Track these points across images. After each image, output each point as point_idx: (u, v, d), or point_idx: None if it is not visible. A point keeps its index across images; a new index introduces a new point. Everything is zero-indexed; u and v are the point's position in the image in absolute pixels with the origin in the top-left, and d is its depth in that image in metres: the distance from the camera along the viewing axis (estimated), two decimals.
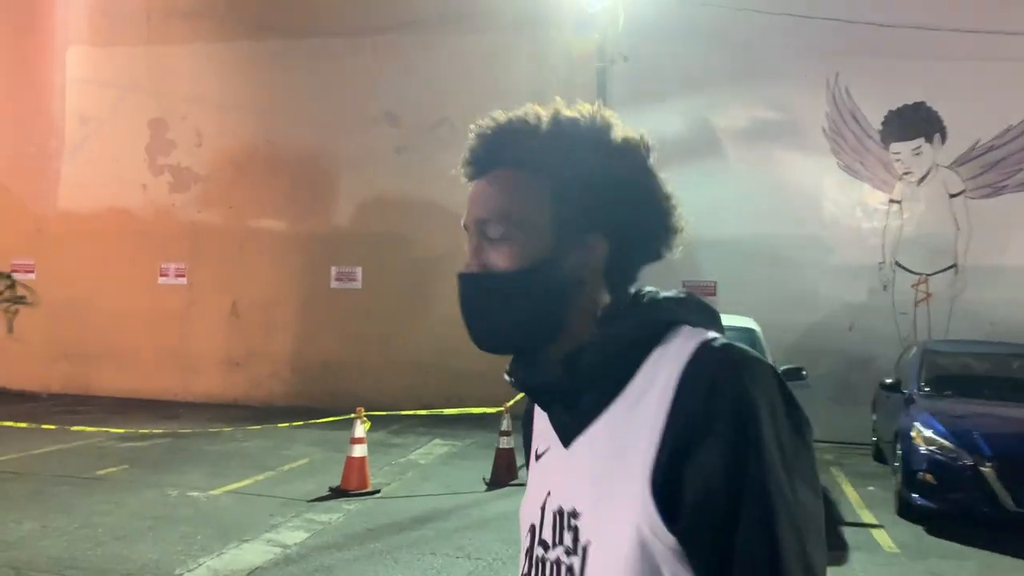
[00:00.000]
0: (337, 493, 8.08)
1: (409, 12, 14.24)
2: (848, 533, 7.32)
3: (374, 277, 14.65)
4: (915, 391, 8.80)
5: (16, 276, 16.20)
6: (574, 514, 1.09)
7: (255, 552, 6.31)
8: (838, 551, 6.73)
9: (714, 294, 11.98)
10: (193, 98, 15.38)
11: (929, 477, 7.47)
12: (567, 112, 1.17)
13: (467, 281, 1.16)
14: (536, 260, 1.12)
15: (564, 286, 1.13)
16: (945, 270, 12.40)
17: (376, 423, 9.65)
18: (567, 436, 1.14)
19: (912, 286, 12.48)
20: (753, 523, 0.98)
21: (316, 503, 7.78)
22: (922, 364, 9.29)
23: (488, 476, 8.76)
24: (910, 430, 7.84)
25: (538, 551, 1.15)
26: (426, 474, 9.38)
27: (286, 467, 9.38)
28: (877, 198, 12.74)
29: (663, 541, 1.00)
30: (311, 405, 13.33)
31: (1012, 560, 6.69)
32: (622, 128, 1.18)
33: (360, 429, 8.28)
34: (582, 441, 1.12)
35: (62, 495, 7.83)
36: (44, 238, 15.90)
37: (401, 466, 9.62)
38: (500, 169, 1.16)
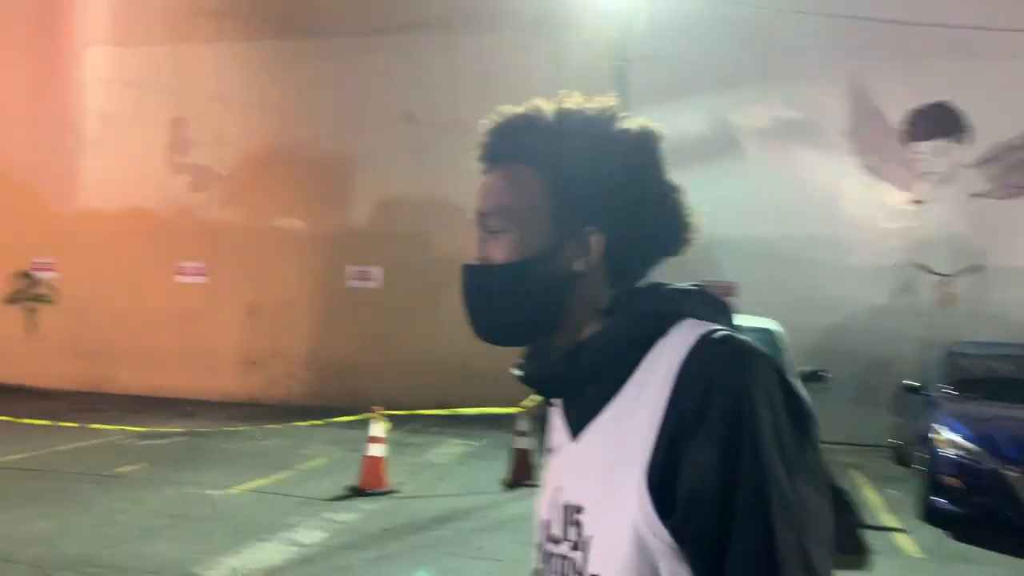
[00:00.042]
0: (355, 492, 8.07)
1: (429, 11, 14.23)
2: (870, 537, 7.22)
3: (392, 276, 14.66)
4: (938, 394, 8.68)
5: (36, 274, 16.32)
6: (578, 509, 1.09)
7: (273, 551, 6.30)
8: (856, 554, 6.64)
9: (733, 295, 11.88)
10: (213, 97, 15.44)
11: (953, 481, 7.36)
12: (572, 105, 1.17)
13: (466, 273, 1.19)
14: (532, 253, 1.13)
15: (560, 279, 1.14)
16: (968, 271, 12.25)
17: (393, 423, 9.62)
18: (574, 430, 1.14)
19: (935, 287, 12.34)
20: (747, 520, 0.95)
21: (334, 502, 7.78)
22: (945, 366, 9.17)
23: (505, 477, 8.73)
24: (934, 433, 7.74)
25: (549, 546, 1.15)
26: (443, 474, 9.36)
27: (304, 466, 9.38)
28: (899, 198, 12.61)
29: (659, 537, 0.99)
30: (328, 404, 13.33)
31: None
32: (631, 120, 1.17)
33: (377, 428, 8.26)
34: (587, 435, 1.11)
35: (82, 493, 7.86)
36: (64, 237, 16.01)
37: (418, 466, 9.60)
38: (504, 164, 1.17)
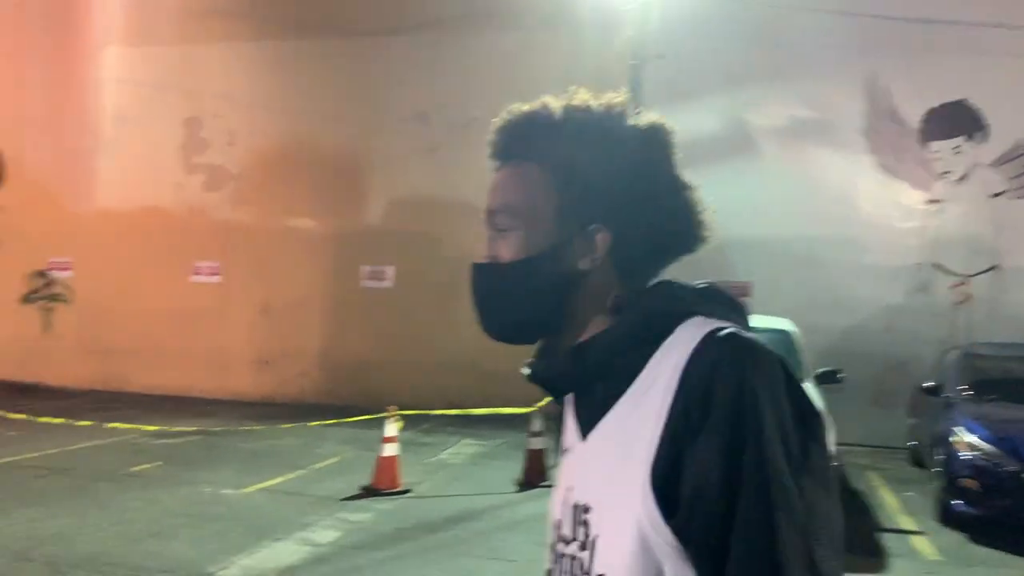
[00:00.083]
0: (368, 492, 8.07)
1: (442, 10, 14.23)
2: (888, 539, 7.17)
3: (405, 276, 14.67)
4: (956, 395, 8.60)
5: (52, 274, 16.43)
6: (586, 508, 1.08)
7: (287, 551, 6.31)
8: (873, 557, 6.59)
9: (748, 295, 11.81)
10: (227, 97, 15.50)
11: (972, 483, 7.29)
12: (579, 102, 1.17)
13: (475, 271, 1.19)
14: (537, 250, 1.13)
15: (566, 277, 1.13)
16: (986, 271, 12.14)
17: (406, 422, 9.63)
18: (584, 430, 1.14)
19: (951, 287, 12.24)
20: (750, 520, 0.93)
21: (348, 502, 7.77)
22: (963, 367, 9.08)
23: (519, 477, 8.70)
24: (952, 435, 7.66)
25: (560, 546, 1.14)
26: (456, 474, 9.35)
27: (318, 465, 9.39)
28: (916, 198, 12.51)
29: (663, 538, 0.97)
30: (341, 404, 13.34)
31: None
32: (640, 116, 1.17)
33: (391, 428, 8.26)
34: (595, 434, 1.11)
35: (97, 491, 7.89)
36: (80, 237, 16.10)
37: (431, 466, 9.59)
38: (512, 161, 1.18)
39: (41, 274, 16.45)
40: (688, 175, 1.17)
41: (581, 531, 1.08)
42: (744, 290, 11.79)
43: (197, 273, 15.65)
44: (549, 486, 8.19)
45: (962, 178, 12.34)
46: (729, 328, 1.04)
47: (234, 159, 15.67)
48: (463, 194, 13.33)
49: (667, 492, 0.98)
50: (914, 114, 12.47)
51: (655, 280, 1.17)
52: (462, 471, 9.52)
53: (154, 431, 10.78)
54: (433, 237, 14.33)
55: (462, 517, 7.40)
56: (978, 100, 12.17)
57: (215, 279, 15.60)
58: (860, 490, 9.12)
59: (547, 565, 1.19)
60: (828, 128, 12.74)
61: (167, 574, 5.72)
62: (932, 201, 12.44)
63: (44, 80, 16.48)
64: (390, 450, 8.23)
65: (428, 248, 14.34)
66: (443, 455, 10.31)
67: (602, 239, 1.13)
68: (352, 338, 14.81)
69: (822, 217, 12.45)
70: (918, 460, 10.10)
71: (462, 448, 10.83)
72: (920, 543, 7.13)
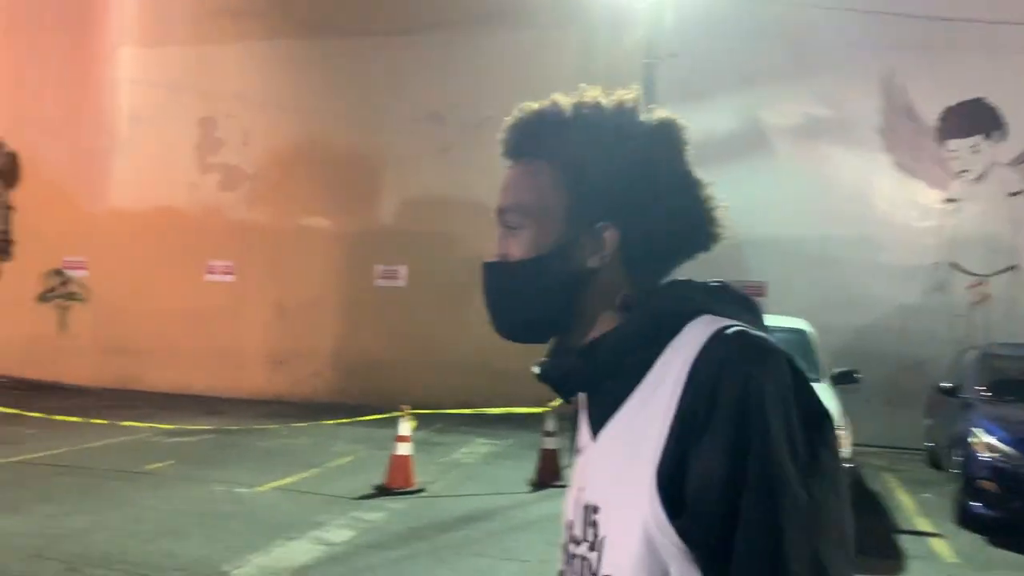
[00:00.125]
0: (381, 491, 8.06)
1: (455, 10, 14.22)
2: (905, 541, 7.10)
3: (418, 275, 14.68)
4: (974, 396, 8.52)
5: (68, 273, 16.53)
6: (595, 509, 1.07)
7: (301, 550, 6.31)
8: (891, 559, 6.53)
9: (763, 295, 11.74)
10: (242, 97, 15.55)
11: (990, 485, 7.22)
12: (589, 99, 1.16)
13: (485, 270, 1.19)
14: (546, 248, 1.13)
15: (575, 275, 1.13)
16: (1004, 271, 12.03)
17: (419, 422, 9.62)
18: (595, 429, 1.13)
19: (969, 287, 12.13)
20: (754, 521, 0.92)
21: (361, 501, 7.77)
22: (981, 368, 9.00)
23: (532, 477, 8.68)
24: (970, 436, 7.59)
25: (571, 547, 1.13)
26: (470, 473, 9.34)
27: (331, 464, 9.40)
28: (932, 197, 12.41)
29: (669, 539, 0.96)
30: (354, 402, 13.35)
31: None
32: (651, 113, 1.16)
33: (405, 427, 8.25)
34: (605, 434, 1.10)
35: (112, 489, 7.92)
36: (95, 236, 16.19)
37: (445, 465, 9.58)
38: (523, 160, 1.18)
39: (57, 273, 16.55)
40: (702, 174, 1.16)
41: (591, 532, 1.08)
42: (759, 290, 11.72)
43: (211, 272, 15.71)
44: (563, 486, 8.17)
45: (980, 177, 12.23)
46: (738, 326, 1.03)
47: (249, 159, 15.72)
48: (476, 194, 13.30)
49: (673, 492, 0.96)
50: (931, 112, 12.37)
51: (668, 279, 1.16)
52: (475, 471, 9.51)
53: (169, 429, 10.82)
54: (446, 237, 14.33)
55: (475, 517, 7.39)
56: (996, 98, 12.05)
57: (229, 278, 15.65)
58: (876, 491, 9.05)
59: (559, 566, 1.18)
60: (844, 126, 12.65)
61: (182, 572, 5.73)
62: (949, 200, 12.33)
63: (60, 81, 16.58)
64: (404, 449, 8.23)
65: (441, 248, 14.34)
66: (456, 454, 10.30)
67: (611, 236, 1.12)
68: (365, 337, 14.83)
69: (838, 216, 12.36)
70: (935, 461, 10.01)
71: (475, 448, 10.82)
72: (938, 545, 7.06)
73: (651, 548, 0.97)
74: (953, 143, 12.31)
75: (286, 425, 11.43)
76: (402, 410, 8.38)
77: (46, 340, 16.29)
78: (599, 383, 1.11)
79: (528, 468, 8.86)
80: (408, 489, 8.12)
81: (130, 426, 10.69)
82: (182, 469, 8.92)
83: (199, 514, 7.18)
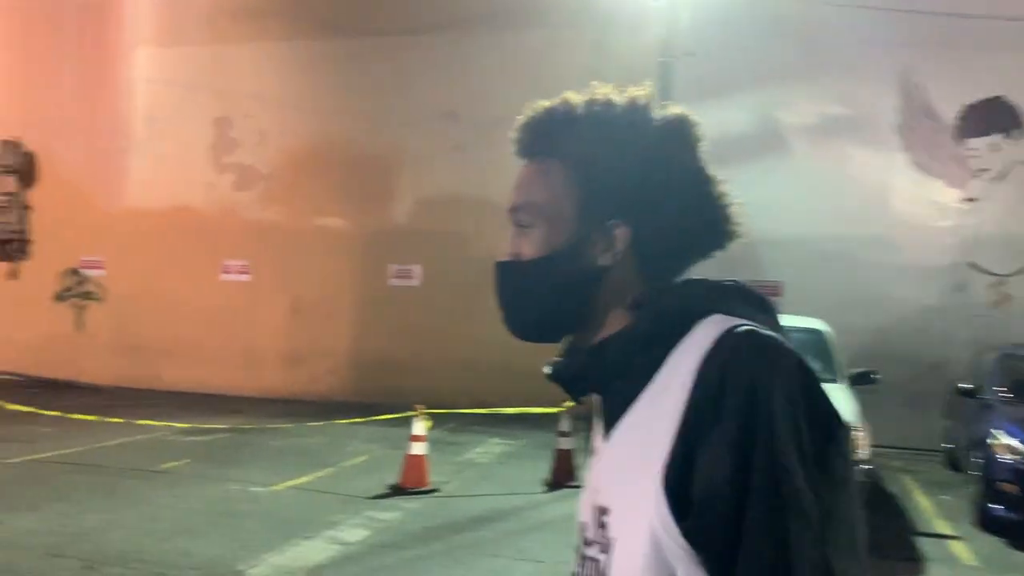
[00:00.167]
0: (396, 491, 8.06)
1: (470, 9, 14.20)
2: (924, 544, 7.03)
3: (432, 275, 14.68)
4: (994, 397, 8.42)
5: (85, 272, 16.63)
6: (605, 511, 1.06)
7: (316, 549, 6.31)
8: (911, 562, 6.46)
9: (779, 295, 11.66)
10: (257, 97, 15.59)
11: (1010, 487, 7.14)
12: (600, 97, 1.15)
13: (497, 268, 1.19)
14: (557, 247, 1.13)
15: (586, 273, 1.12)
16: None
17: (433, 421, 9.62)
18: (607, 430, 1.11)
19: (988, 287, 12.00)
20: (759, 525, 0.90)
21: (376, 500, 7.77)
22: (1001, 369, 8.89)
23: (547, 477, 8.66)
24: (990, 438, 7.50)
25: (584, 549, 1.12)
26: (484, 473, 9.32)
27: (346, 463, 9.41)
28: (951, 196, 12.29)
29: (676, 541, 0.94)
30: (368, 401, 13.36)
31: None
32: (664, 110, 1.15)
33: (419, 427, 8.24)
34: (615, 435, 1.09)
35: (128, 488, 7.95)
36: (112, 235, 16.28)
37: (459, 465, 9.57)
38: (535, 158, 1.18)
39: (74, 272, 16.66)
40: (718, 172, 1.15)
41: (601, 534, 1.06)
42: (775, 290, 11.64)
43: (226, 272, 15.77)
44: (577, 486, 8.13)
45: (999, 176, 12.10)
46: (747, 325, 1.01)
47: (264, 159, 15.77)
48: (490, 193, 13.29)
49: (680, 494, 0.94)
50: (949, 110, 12.25)
51: (683, 277, 1.14)
52: (490, 470, 9.49)
53: (184, 428, 10.86)
54: (460, 236, 14.32)
55: (490, 517, 7.37)
56: (1016, 96, 11.93)
57: (244, 278, 15.71)
58: (894, 493, 8.97)
59: (573, 568, 1.17)
60: (861, 125, 12.55)
61: (197, 571, 5.74)
62: (968, 199, 12.21)
63: (77, 81, 16.68)
64: (418, 449, 8.22)
65: (455, 247, 14.33)
66: (470, 454, 10.29)
67: (622, 234, 1.11)
68: (379, 337, 14.84)
69: (855, 216, 12.26)
70: (954, 463, 9.92)
71: (490, 447, 10.80)
72: (958, 548, 6.99)
73: (658, 551, 0.95)
74: (972, 141, 12.18)
75: (301, 424, 11.45)
76: (416, 409, 8.37)
77: (63, 339, 16.40)
78: (609, 383, 1.10)
79: (543, 468, 8.84)
80: (422, 489, 8.11)
81: (146, 425, 10.74)
82: (198, 468, 8.94)
83: (214, 513, 7.20)
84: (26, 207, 17.09)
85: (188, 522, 6.89)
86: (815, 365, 7.72)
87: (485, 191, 13.44)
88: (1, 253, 17.00)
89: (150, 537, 6.43)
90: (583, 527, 1.14)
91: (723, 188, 1.14)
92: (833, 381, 8.00)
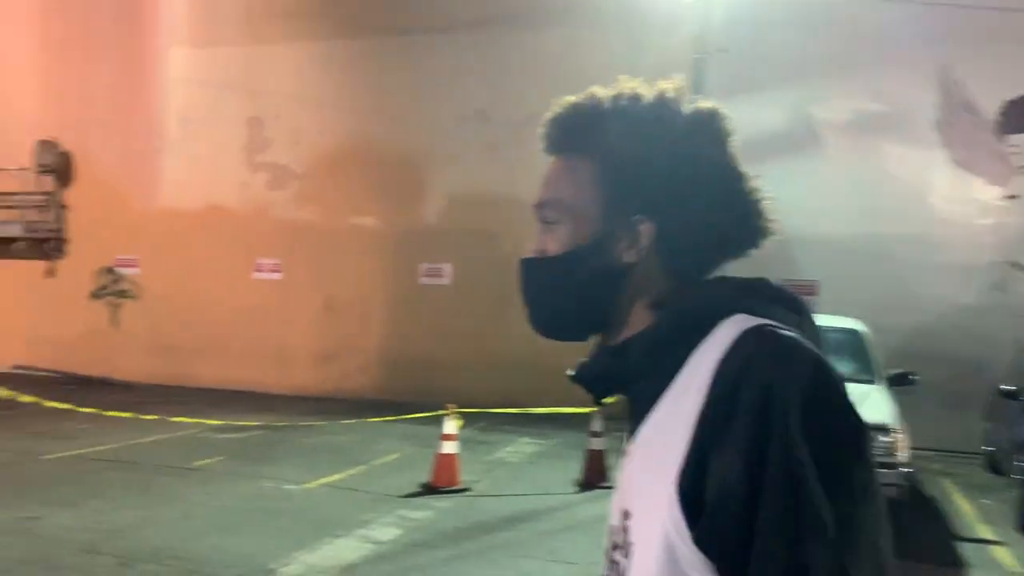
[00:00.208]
0: (427, 490, 8.05)
1: (501, 7, 14.17)
2: (965, 549, 6.88)
3: (463, 274, 14.67)
4: None
5: (120, 271, 16.84)
6: (627, 514, 1.04)
7: (348, 548, 6.30)
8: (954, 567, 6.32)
9: (815, 294, 11.49)
10: (290, 97, 15.69)
11: None
12: (629, 91, 1.13)
13: (521, 266, 1.17)
14: (581, 243, 1.11)
15: (610, 270, 1.10)
16: None
17: (463, 420, 9.59)
18: (632, 431, 1.10)
19: None
20: (771, 533, 0.87)
21: (407, 499, 7.76)
22: None
23: (579, 477, 8.60)
24: None
25: (611, 552, 1.10)
26: (515, 473, 9.28)
27: (377, 462, 9.42)
28: (992, 193, 12.04)
29: (689, 548, 0.92)
30: (398, 400, 13.38)
31: None
32: (692, 104, 1.12)
33: (451, 426, 8.22)
34: (639, 438, 1.07)
35: (162, 485, 8.02)
36: (147, 234, 16.47)
37: (490, 464, 9.54)
38: (562, 154, 1.16)
39: (109, 271, 16.87)
40: (750, 168, 1.11)
41: (624, 537, 1.04)
42: (811, 289, 11.48)
43: (259, 270, 15.89)
44: (609, 487, 8.06)
45: None
46: (768, 325, 0.98)
47: (296, 158, 15.87)
48: (521, 191, 13.18)
49: (694, 500, 0.92)
50: (990, 106, 12.00)
51: (713, 275, 1.12)
52: (521, 470, 9.45)
53: (218, 425, 10.94)
54: (491, 235, 14.29)
55: (522, 517, 7.33)
56: None
57: (277, 276, 15.82)
58: (934, 496, 8.80)
59: (602, 571, 1.14)
60: (898, 122, 12.33)
61: (230, 569, 5.76)
62: (1010, 196, 11.95)
63: (112, 82, 16.89)
64: (449, 448, 8.20)
65: (486, 246, 14.30)
66: (501, 453, 10.26)
67: (646, 230, 1.08)
68: (410, 335, 14.87)
69: (892, 214, 12.06)
70: (995, 466, 9.71)
71: (520, 447, 10.76)
72: (1000, 553, 6.83)
73: (672, 557, 0.93)
74: (1013, 137, 11.92)
75: (333, 421, 11.49)
76: (448, 408, 8.35)
77: (98, 336, 16.62)
78: (633, 385, 1.08)
79: (574, 468, 8.78)
80: (454, 488, 8.09)
81: (180, 422, 10.83)
82: (231, 465, 9.00)
83: (248, 510, 7.23)
84: (63, 206, 17.34)
85: (221, 519, 6.92)
86: (852, 366, 7.58)
87: (516, 190, 13.38)
88: (39, 252, 17.25)
89: (184, 534, 6.47)
90: (611, 530, 1.12)
91: (754, 184, 1.11)
92: (871, 382, 7.86)
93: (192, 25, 16.59)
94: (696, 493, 0.92)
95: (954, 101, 12.13)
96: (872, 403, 7.22)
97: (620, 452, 1.21)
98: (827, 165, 12.46)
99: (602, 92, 1.15)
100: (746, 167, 1.11)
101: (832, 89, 12.55)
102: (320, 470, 8.80)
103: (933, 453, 10.55)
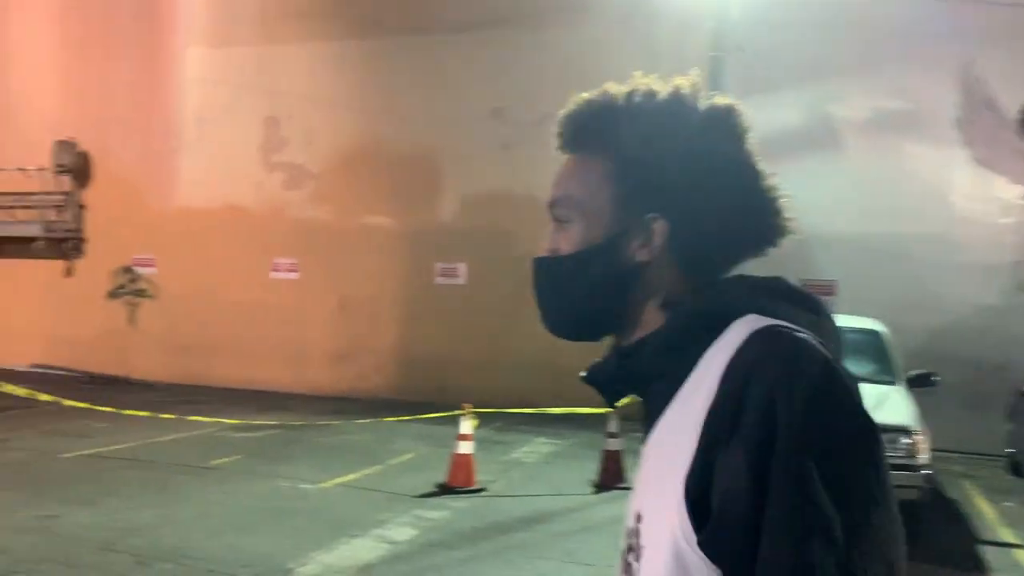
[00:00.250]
0: (443, 490, 8.03)
1: (516, 6, 14.15)
2: (987, 552, 6.79)
3: (478, 273, 14.66)
4: None
5: (137, 270, 16.93)
6: (640, 516, 1.03)
7: (365, 548, 6.29)
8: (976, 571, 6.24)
9: (834, 294, 11.39)
10: (306, 97, 15.72)
11: None
12: (644, 87, 1.12)
13: (534, 265, 1.16)
14: (593, 242, 1.09)
15: (623, 269, 1.08)
16: None
17: (479, 420, 9.56)
18: (646, 433, 1.08)
19: None
20: (776, 539, 0.85)
21: (423, 499, 7.75)
22: None
23: (595, 478, 8.56)
24: None
25: (626, 554, 1.08)
26: (531, 473, 9.25)
27: (393, 461, 9.41)
28: (1014, 192, 11.90)
29: (696, 553, 0.90)
30: (413, 399, 13.39)
31: None
32: (708, 100, 1.10)
33: (466, 426, 8.20)
34: (650, 440, 1.06)
35: (179, 484, 8.04)
36: (164, 234, 16.55)
37: (506, 464, 9.52)
38: (574, 152, 1.15)
39: (127, 270, 16.96)
40: (767, 166, 1.09)
41: (636, 540, 1.03)
42: (829, 289, 11.38)
43: (276, 270, 15.94)
44: (626, 488, 8.03)
45: None
46: (778, 326, 0.95)
47: (313, 158, 15.91)
48: (536, 191, 13.13)
49: (700, 503, 0.90)
50: (1012, 104, 11.84)
51: (730, 274, 1.09)
52: (537, 471, 9.42)
53: (235, 425, 10.97)
54: (506, 234, 14.25)
55: (538, 518, 7.30)
56: None
57: (293, 276, 15.86)
58: (955, 499, 8.70)
59: (617, 573, 1.12)
60: (918, 120, 12.20)
61: (247, 568, 5.76)
62: None
63: (130, 82, 16.99)
64: (465, 448, 8.18)
65: (501, 245, 14.27)
66: (517, 454, 10.23)
67: (660, 228, 1.06)
68: (425, 335, 14.86)
69: (912, 213, 11.93)
70: (1017, 468, 9.61)
71: (536, 447, 10.73)
72: (1023, 557, 6.73)
73: (680, 562, 0.91)
74: None
75: (348, 421, 11.50)
76: (463, 408, 8.33)
77: (116, 336, 16.72)
78: (645, 386, 1.07)
79: (590, 469, 8.74)
80: (470, 488, 8.07)
81: (197, 421, 10.87)
82: (248, 464, 9.02)
83: (264, 510, 7.24)
84: (81, 206, 17.46)
85: (238, 519, 6.93)
86: (872, 367, 7.49)
87: (531, 189, 13.36)
88: (57, 251, 17.37)
89: (201, 533, 6.48)
90: (627, 532, 1.10)
91: (772, 181, 1.09)
92: (891, 383, 7.77)
93: (209, 26, 16.66)
94: (703, 495, 0.90)
95: (975, 99, 11.99)
96: (892, 404, 7.14)
97: (637, 453, 1.18)
98: (846, 163, 12.36)
99: (616, 89, 1.13)
100: (762, 164, 1.09)
101: (851, 87, 12.44)
102: (336, 470, 8.80)
103: (954, 455, 10.43)
